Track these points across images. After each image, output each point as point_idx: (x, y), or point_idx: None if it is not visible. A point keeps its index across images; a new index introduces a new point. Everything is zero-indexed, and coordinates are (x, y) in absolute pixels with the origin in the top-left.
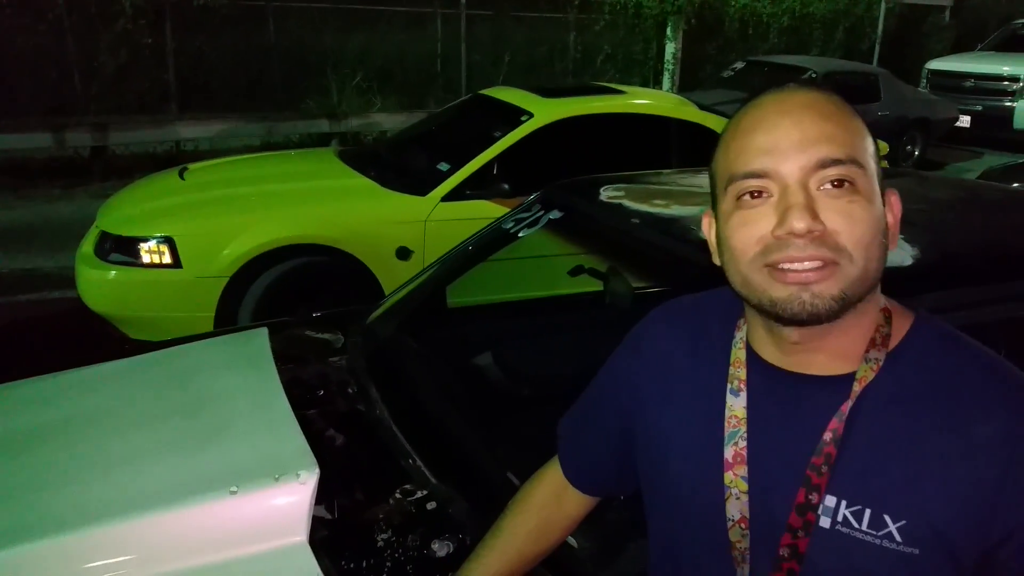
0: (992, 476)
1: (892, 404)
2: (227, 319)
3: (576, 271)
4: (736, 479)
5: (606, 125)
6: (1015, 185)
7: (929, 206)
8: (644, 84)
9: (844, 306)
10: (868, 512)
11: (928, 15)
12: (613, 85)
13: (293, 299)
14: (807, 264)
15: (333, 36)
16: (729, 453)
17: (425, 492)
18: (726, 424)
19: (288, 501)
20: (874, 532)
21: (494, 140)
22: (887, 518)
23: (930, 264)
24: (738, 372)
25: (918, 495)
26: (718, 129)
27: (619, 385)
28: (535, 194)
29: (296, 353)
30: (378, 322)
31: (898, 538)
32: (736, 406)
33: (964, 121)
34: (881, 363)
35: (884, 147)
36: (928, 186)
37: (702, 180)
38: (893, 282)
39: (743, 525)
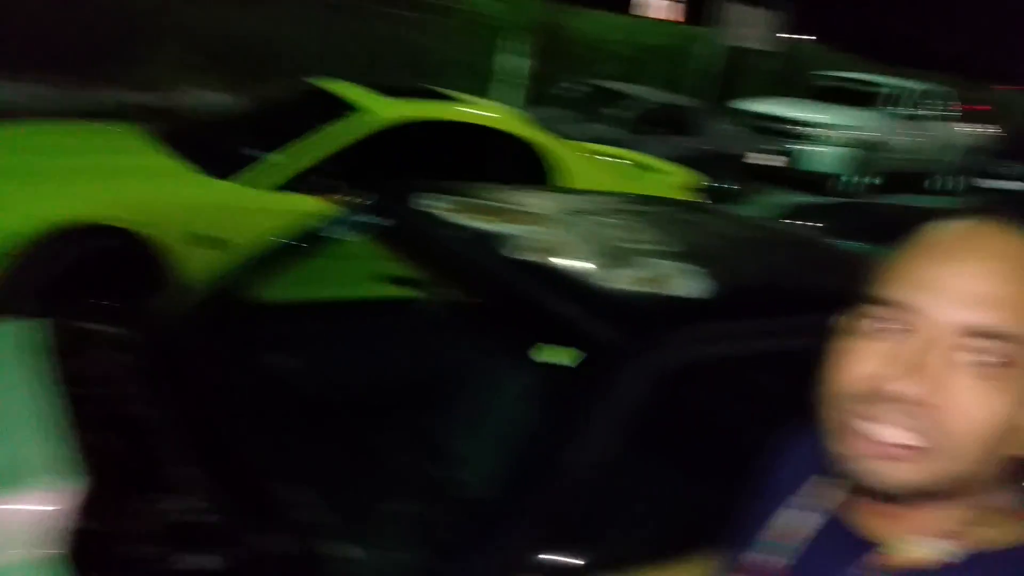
0: None
1: None
2: (10, 301)
3: (395, 280)
4: None
5: (445, 132)
6: (810, 224)
7: (720, 241)
8: (474, 94)
9: (921, 496)
10: None
11: (755, 58)
12: (455, 93)
13: (82, 286)
14: (893, 435)
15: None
16: (764, 559)
17: (199, 503)
18: (770, 533)
19: (46, 509)
20: None
21: (325, 134)
22: None
23: (721, 296)
24: (813, 497)
25: None
26: (555, 148)
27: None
28: (362, 197)
29: (78, 347)
30: (173, 317)
31: None
32: (806, 525)
33: (772, 160)
34: (955, 559)
35: (696, 179)
36: (727, 222)
37: (532, 200)
38: (680, 313)
39: None
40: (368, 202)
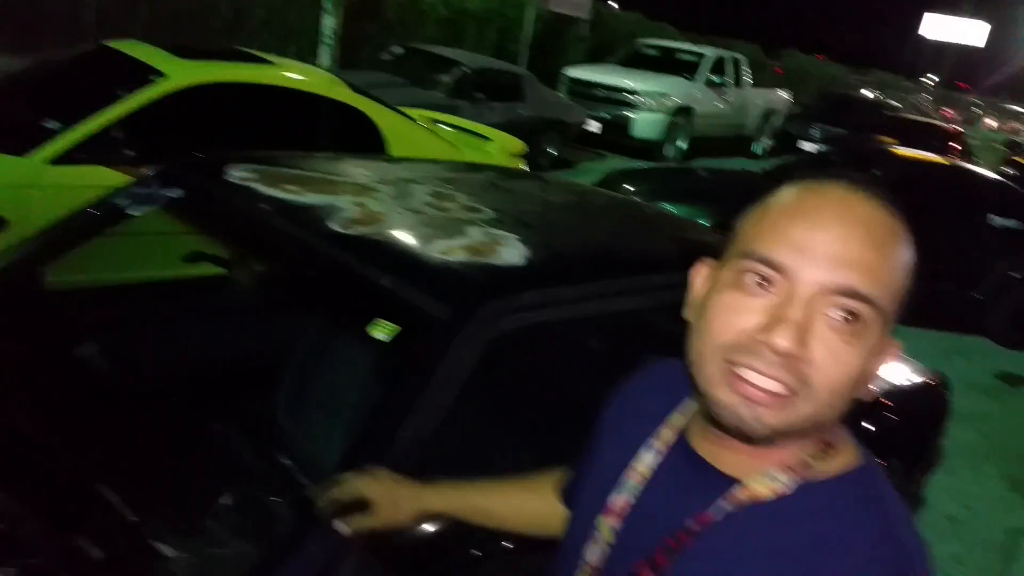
0: None
1: (773, 529)
2: None
3: (194, 257)
4: (606, 527)
5: (249, 96)
6: (630, 188)
7: (545, 208)
8: (301, 57)
9: (778, 436)
10: None
11: (570, 25)
12: (260, 53)
13: None
14: (765, 383)
15: None
16: (614, 501)
17: None
18: (626, 474)
19: None
20: None
21: (117, 99)
22: None
23: (540, 263)
24: (666, 434)
25: None
26: (368, 112)
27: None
28: (154, 168)
29: None
30: None
31: None
32: (643, 463)
33: (594, 126)
34: (789, 489)
35: (520, 146)
36: (547, 189)
37: (343, 167)
38: (502, 281)
39: (589, 571)
40: (159, 173)
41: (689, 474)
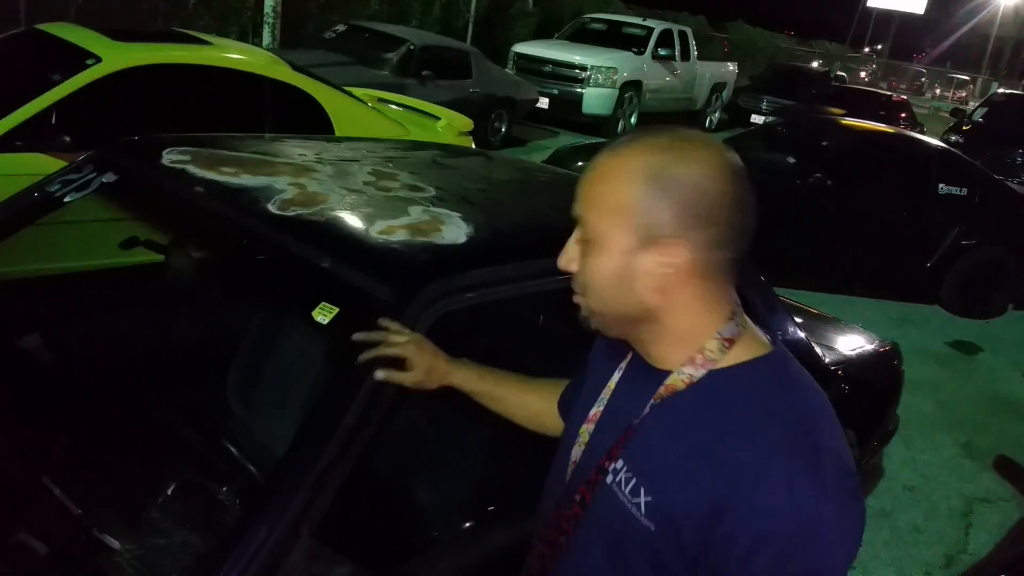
0: (725, 491)
1: (691, 412)
2: None
3: (129, 243)
4: (585, 432)
5: (187, 78)
6: (580, 164)
7: (488, 186)
8: (242, 38)
9: (600, 324)
10: (633, 480)
11: (515, 0)
12: (198, 34)
13: None
14: (575, 296)
15: None
16: (591, 412)
17: None
18: (603, 391)
19: None
20: (630, 497)
21: (52, 84)
22: (642, 490)
23: (483, 241)
24: (627, 358)
25: (669, 484)
26: (312, 91)
27: (587, 365)
28: (87, 154)
29: None
30: None
31: (643, 509)
32: (613, 380)
33: (544, 103)
34: (697, 378)
35: (468, 124)
36: (491, 167)
37: (280, 148)
38: (445, 261)
39: (573, 466)
40: (92, 157)
41: (639, 381)
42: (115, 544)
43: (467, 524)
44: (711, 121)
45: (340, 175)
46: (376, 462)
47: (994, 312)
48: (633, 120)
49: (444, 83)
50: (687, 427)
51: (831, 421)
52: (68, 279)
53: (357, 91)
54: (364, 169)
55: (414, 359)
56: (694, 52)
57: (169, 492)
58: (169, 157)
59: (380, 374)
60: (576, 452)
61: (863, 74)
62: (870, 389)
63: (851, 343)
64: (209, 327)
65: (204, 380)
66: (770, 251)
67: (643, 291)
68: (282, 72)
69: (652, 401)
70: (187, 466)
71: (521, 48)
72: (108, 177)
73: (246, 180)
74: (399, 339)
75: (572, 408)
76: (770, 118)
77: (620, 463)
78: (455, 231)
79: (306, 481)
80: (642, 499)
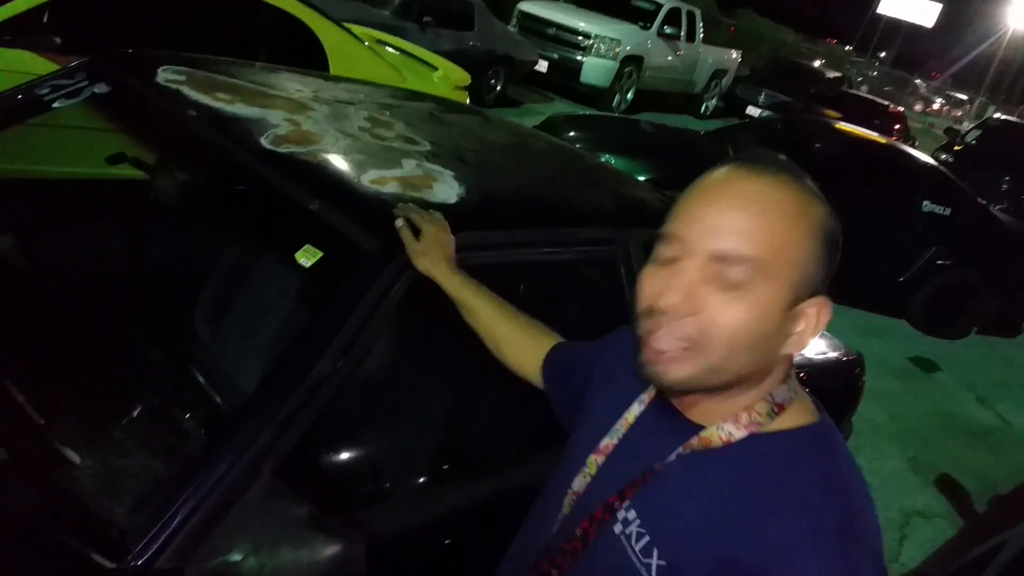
0: (750, 571)
1: (722, 473)
2: None
3: (116, 159)
4: (593, 463)
5: None
6: (571, 134)
7: (483, 147)
8: None
9: (690, 387)
10: (646, 538)
11: None
12: None
13: None
14: (663, 343)
15: None
16: (603, 443)
17: None
18: (618, 422)
19: None
20: (641, 557)
21: None
22: (655, 552)
23: (473, 204)
24: (650, 392)
25: (688, 552)
26: (312, 24)
27: (588, 365)
28: (80, 60)
29: None
30: None
31: (652, 573)
32: (632, 413)
33: (542, 66)
34: (736, 439)
35: (466, 78)
36: (488, 127)
37: (278, 80)
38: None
39: (575, 497)
40: (86, 65)
41: (663, 422)
42: (75, 458)
43: (421, 480)
44: (707, 107)
45: (336, 117)
46: (341, 408)
47: (958, 333)
48: (629, 96)
49: (445, 32)
50: (716, 489)
51: (871, 514)
52: (50, 185)
53: (355, 29)
54: (360, 113)
55: (427, 233)
56: (700, 34)
57: (134, 414)
58: (164, 75)
59: (399, 222)
60: (580, 482)
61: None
62: (828, 396)
63: (817, 347)
64: (184, 252)
65: (174, 304)
66: None
67: (780, 349)
68: (284, 1)
69: (680, 450)
70: (153, 389)
71: (526, 7)
72: (100, 88)
73: (240, 109)
74: (424, 218)
75: (575, 421)
76: (766, 112)
77: (632, 513)
78: (447, 190)
79: (273, 420)
80: (654, 561)
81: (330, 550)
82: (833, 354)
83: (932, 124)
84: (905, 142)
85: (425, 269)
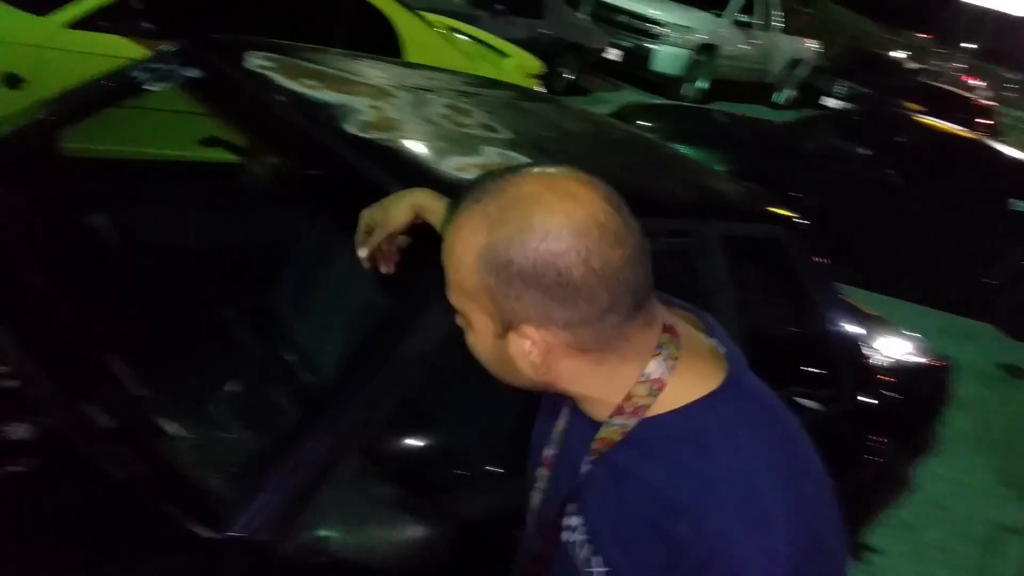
0: (672, 567)
1: (633, 467)
2: None
3: (210, 141)
4: (543, 477)
5: None
6: (645, 124)
7: (561, 136)
8: None
9: (520, 390)
10: (588, 547)
11: None
12: None
13: None
14: None
15: None
16: (545, 454)
17: (6, 368)
18: (555, 432)
19: None
20: (584, 565)
21: None
22: (597, 560)
23: None
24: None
25: (624, 557)
26: (388, 12)
27: None
28: (173, 44)
29: None
30: None
31: None
32: (562, 420)
33: (613, 54)
34: (629, 429)
35: (537, 66)
36: (565, 116)
37: (362, 68)
38: None
39: (535, 515)
40: (179, 50)
41: (582, 425)
42: (174, 430)
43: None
44: (782, 97)
45: (417, 103)
46: (427, 390)
47: None
48: (702, 85)
49: (517, 20)
50: (632, 486)
51: (780, 476)
52: (144, 165)
53: (428, 17)
54: (440, 101)
55: (372, 219)
56: (776, 23)
57: (229, 388)
58: (254, 61)
59: (360, 252)
60: (536, 498)
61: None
62: (918, 401)
63: (905, 352)
64: (273, 234)
65: (261, 284)
66: (828, 240)
67: (527, 370)
68: None
69: (589, 457)
70: (244, 365)
71: None
72: (192, 72)
73: (327, 95)
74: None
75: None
76: (843, 103)
77: (575, 519)
78: None
79: (362, 399)
80: (596, 570)
81: (415, 531)
82: (919, 359)
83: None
84: (993, 137)
85: (408, 218)
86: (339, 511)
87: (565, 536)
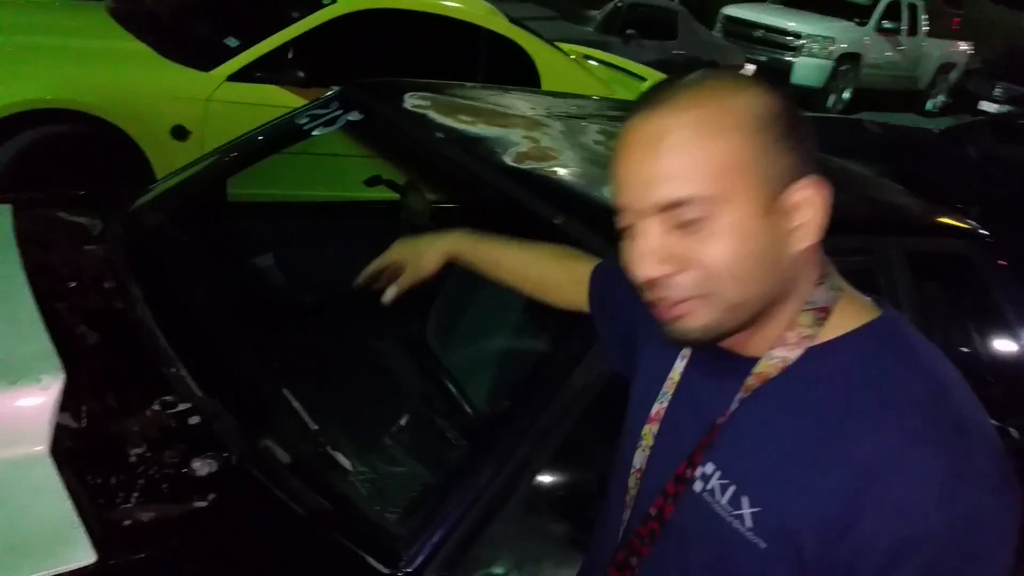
0: (853, 492)
1: (791, 399)
2: None
3: (373, 181)
4: (648, 434)
5: (412, 23)
6: None
7: None
8: None
9: (716, 334)
10: (732, 489)
11: None
12: None
13: (47, 172)
14: (667, 305)
15: None
16: (655, 409)
17: (188, 405)
18: (664, 383)
19: (26, 406)
20: (730, 509)
21: (292, 20)
22: (744, 500)
23: None
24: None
25: (780, 491)
26: (525, 45)
27: (635, 305)
28: (334, 90)
29: (45, 236)
30: (145, 209)
31: (748, 523)
32: (676, 371)
33: (748, 70)
34: (792, 360)
35: None
36: None
37: (509, 100)
38: None
39: (638, 475)
40: (337, 96)
41: (713, 368)
42: (348, 464)
43: None
44: (934, 104)
45: (571, 132)
46: (593, 422)
47: None
48: (846, 95)
49: (648, 43)
50: (790, 419)
51: (969, 393)
52: (308, 208)
53: (568, 47)
54: (592, 127)
55: (398, 257)
56: (923, 27)
57: (402, 423)
58: (411, 101)
59: (386, 295)
60: (639, 458)
61: None
62: None
63: None
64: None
65: (420, 317)
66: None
67: (789, 250)
68: (499, 24)
69: (740, 395)
70: (410, 398)
71: (731, 11)
72: (354, 115)
73: (482, 130)
74: (377, 261)
75: (629, 405)
76: (1002, 106)
77: (710, 467)
78: None
79: (530, 434)
80: (746, 511)
81: None
82: None
83: None
84: None
85: (439, 261)
86: (512, 548)
87: (696, 486)
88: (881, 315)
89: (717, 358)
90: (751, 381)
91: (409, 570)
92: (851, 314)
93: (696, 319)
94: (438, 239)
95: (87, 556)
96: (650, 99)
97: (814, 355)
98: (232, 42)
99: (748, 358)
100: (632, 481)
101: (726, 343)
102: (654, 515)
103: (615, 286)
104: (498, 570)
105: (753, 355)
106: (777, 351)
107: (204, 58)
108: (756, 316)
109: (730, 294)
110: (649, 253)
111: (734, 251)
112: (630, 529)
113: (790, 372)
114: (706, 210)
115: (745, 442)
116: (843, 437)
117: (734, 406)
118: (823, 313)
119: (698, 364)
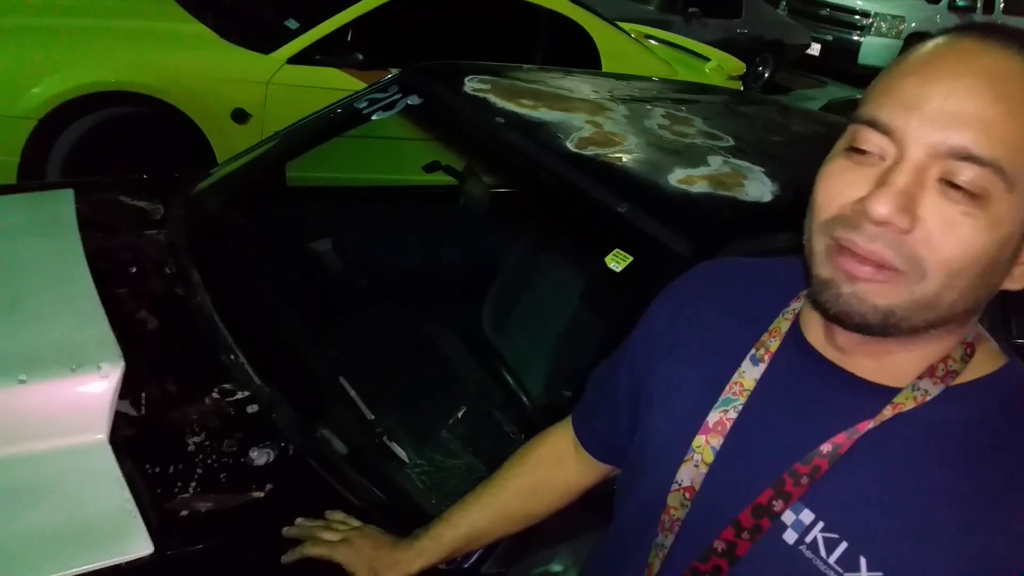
0: (1007, 563)
1: (926, 443)
2: (33, 168)
3: (432, 167)
4: (706, 447)
5: (471, 3)
6: None
7: (789, 139)
8: None
9: (888, 324)
10: (844, 545)
11: None
12: None
13: (109, 155)
14: (865, 268)
15: None
16: (713, 418)
17: (247, 393)
18: (727, 389)
19: (86, 394)
20: (840, 570)
21: (351, 1)
22: (863, 561)
23: (791, 202)
24: (770, 342)
25: (913, 554)
26: (585, 24)
27: (638, 337)
28: (393, 74)
29: (106, 221)
30: (206, 194)
31: None
32: (748, 375)
33: (814, 49)
34: (931, 396)
35: (740, 67)
36: (789, 118)
37: (571, 83)
38: (750, 220)
39: (688, 495)
40: (396, 80)
41: (818, 382)
42: (404, 456)
43: None
44: None
45: (635, 116)
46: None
47: None
48: None
49: (710, 22)
50: (935, 468)
51: None
52: (366, 192)
53: (632, 27)
54: (657, 111)
55: (349, 563)
56: (1000, 4)
57: (459, 415)
58: (471, 85)
59: (288, 557)
60: (690, 474)
61: None
62: None
63: None
64: (488, 254)
65: (476, 304)
66: None
67: (1000, 284)
68: (559, 3)
69: (871, 424)
70: (467, 387)
71: None
72: (413, 99)
73: (544, 114)
74: (331, 537)
75: (646, 407)
76: None
77: (807, 514)
78: (760, 187)
79: None
80: (864, 573)
81: None
82: None
83: None
84: None
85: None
86: (569, 546)
87: (789, 536)
88: (1009, 360)
89: (822, 371)
90: (887, 411)
91: (465, 566)
92: (985, 353)
93: (883, 296)
94: (398, 561)
95: (144, 547)
96: (994, 31)
97: (953, 396)
98: (292, 24)
99: (871, 384)
100: (676, 500)
101: (847, 354)
102: (721, 551)
103: (604, 381)
104: (556, 567)
105: (879, 379)
106: (924, 382)
107: (264, 40)
108: (923, 328)
109: (928, 289)
110: (905, 193)
111: (976, 247)
112: (682, 560)
113: (923, 411)
114: (991, 186)
115: (863, 488)
116: (995, 496)
117: (852, 437)
118: (971, 350)
119: (791, 372)
